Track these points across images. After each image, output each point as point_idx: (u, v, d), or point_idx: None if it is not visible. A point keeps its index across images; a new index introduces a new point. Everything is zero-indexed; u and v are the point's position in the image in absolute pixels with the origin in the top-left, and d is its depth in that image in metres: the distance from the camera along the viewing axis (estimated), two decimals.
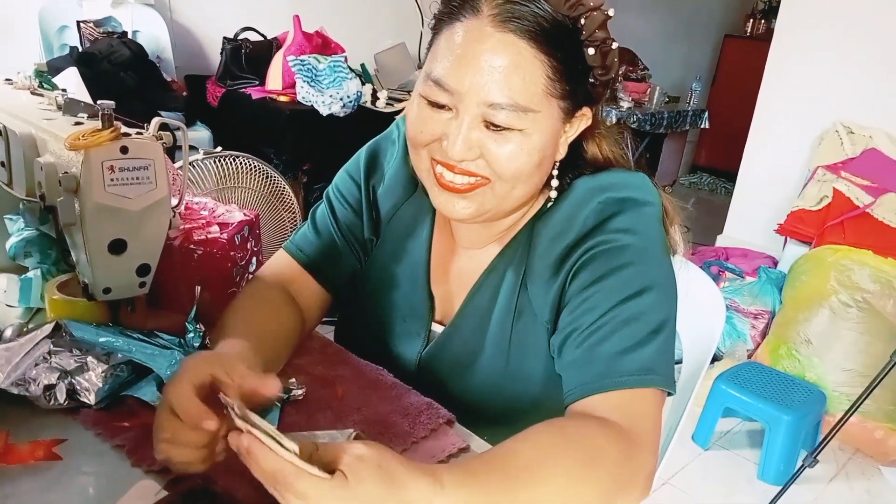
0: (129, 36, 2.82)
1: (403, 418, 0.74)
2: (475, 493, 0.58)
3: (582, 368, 0.74)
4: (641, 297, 0.75)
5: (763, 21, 5.99)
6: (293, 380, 0.78)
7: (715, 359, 2.76)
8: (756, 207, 3.48)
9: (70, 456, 0.64)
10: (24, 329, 0.77)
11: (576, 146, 0.83)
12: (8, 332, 0.79)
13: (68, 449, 0.64)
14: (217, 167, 1.81)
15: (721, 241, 3.68)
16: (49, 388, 0.69)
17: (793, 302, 2.59)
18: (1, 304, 0.91)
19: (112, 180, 0.74)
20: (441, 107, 0.74)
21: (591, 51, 0.73)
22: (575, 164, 0.84)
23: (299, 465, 0.51)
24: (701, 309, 1.13)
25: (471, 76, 0.70)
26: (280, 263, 0.92)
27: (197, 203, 0.94)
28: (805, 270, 2.59)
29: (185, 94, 2.96)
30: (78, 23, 2.69)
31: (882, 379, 1.68)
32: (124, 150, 0.75)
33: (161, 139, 0.80)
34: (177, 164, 1.79)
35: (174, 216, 0.84)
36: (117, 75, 2.46)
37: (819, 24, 3.23)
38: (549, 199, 0.83)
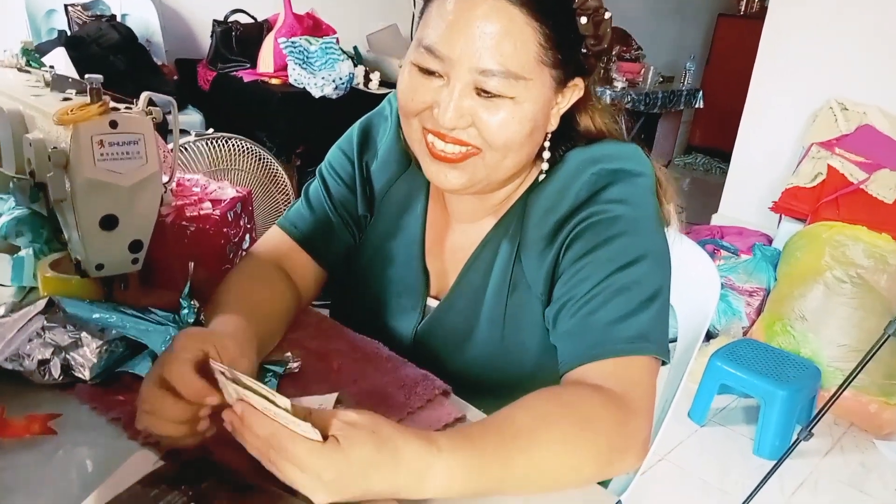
0: (119, 19, 2.80)
1: (399, 390, 0.74)
2: (472, 457, 0.58)
3: (576, 338, 0.75)
4: (635, 267, 0.75)
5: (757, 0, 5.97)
6: (289, 353, 0.78)
7: (710, 336, 2.77)
8: (750, 186, 3.49)
9: (65, 430, 0.64)
10: (17, 306, 0.77)
11: (568, 118, 0.83)
12: (0, 310, 0.78)
13: (63, 424, 0.64)
14: (210, 149, 1.80)
15: (716, 219, 3.68)
16: (43, 363, 0.69)
17: (787, 279, 2.60)
18: None
19: (102, 155, 0.74)
20: (432, 74, 0.73)
21: (583, 19, 0.73)
22: (568, 137, 0.83)
23: (293, 428, 0.51)
24: (695, 283, 1.13)
25: (462, 42, 0.70)
26: (274, 239, 0.91)
27: (189, 180, 0.93)
28: (799, 247, 2.60)
29: (175, 77, 2.94)
30: (66, 6, 2.66)
31: (875, 353, 1.69)
32: (113, 124, 0.74)
33: (150, 114, 0.79)
34: (169, 146, 1.78)
35: (166, 192, 0.83)
36: (106, 58, 2.44)
37: (811, 1, 3.22)
38: (542, 172, 0.83)
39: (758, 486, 1.83)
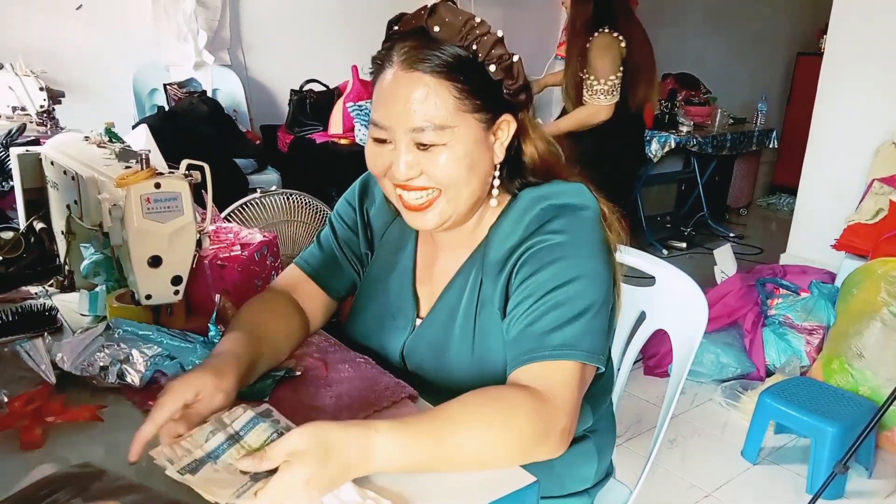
0: (210, 94, 3.18)
1: (371, 393, 0.90)
2: (406, 436, 0.73)
3: (517, 345, 0.89)
4: (569, 286, 0.88)
5: None
6: (293, 361, 0.96)
7: (767, 374, 2.75)
8: (816, 224, 3.44)
9: (111, 418, 0.84)
10: (84, 329, 0.99)
11: (518, 151, 0.99)
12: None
13: (109, 414, 0.84)
14: (274, 203, 2.05)
15: (784, 259, 3.63)
16: (103, 369, 0.90)
17: (845, 316, 2.56)
18: (76, 314, 1.14)
19: (148, 209, 0.95)
20: (384, 142, 0.92)
21: (492, 68, 0.90)
22: (518, 167, 0.99)
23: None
24: (683, 306, 1.24)
25: (394, 111, 0.88)
26: (289, 274, 1.11)
27: (224, 228, 1.15)
28: (856, 283, 2.56)
29: (258, 142, 3.28)
30: (165, 85, 3.06)
31: None
32: (157, 185, 0.96)
33: (189, 177, 1.01)
34: (241, 202, 2.05)
35: (202, 237, 1.05)
36: (196, 128, 2.79)
37: (870, 34, 3.22)
38: (500, 205, 0.99)
39: None
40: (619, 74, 2.74)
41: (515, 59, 0.92)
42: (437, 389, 0.97)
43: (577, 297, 0.88)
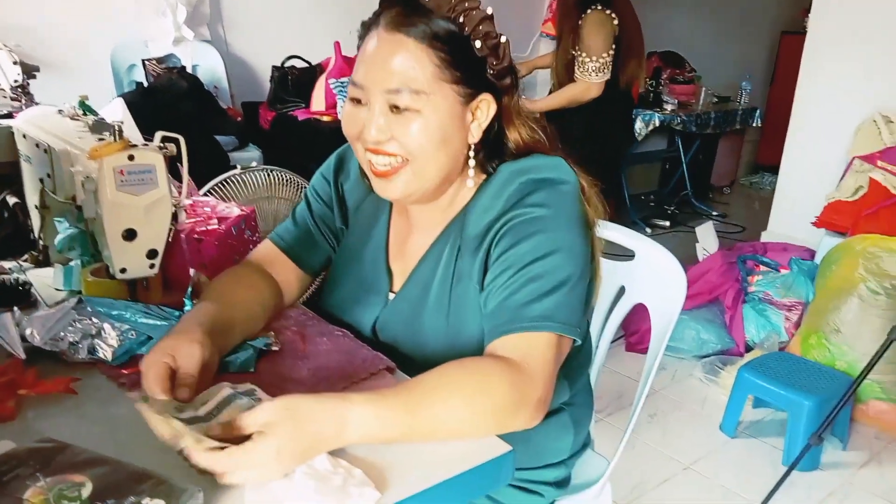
0: (190, 70, 3.13)
1: (348, 365, 0.90)
2: (382, 408, 0.73)
3: (494, 317, 0.89)
4: (547, 259, 0.89)
5: None
6: (272, 334, 0.96)
7: (747, 350, 2.79)
8: (797, 202, 3.47)
9: (85, 391, 0.83)
10: (56, 304, 0.98)
11: (501, 135, 0.98)
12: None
13: (82, 387, 0.83)
14: (255, 180, 2.03)
15: (765, 236, 3.67)
16: (73, 344, 0.89)
17: (823, 292, 2.59)
18: (51, 289, 1.13)
19: (122, 182, 0.94)
20: (360, 102, 0.91)
21: (477, 44, 0.89)
22: (500, 151, 0.98)
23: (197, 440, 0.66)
24: (663, 281, 1.25)
25: (373, 71, 0.88)
26: (263, 249, 1.10)
27: (201, 202, 1.14)
28: (835, 260, 2.59)
29: (239, 119, 3.24)
30: (143, 61, 3.01)
31: (880, 357, 1.71)
32: (131, 157, 0.94)
33: (164, 149, 1.00)
34: (221, 177, 2.03)
35: (179, 211, 1.04)
36: (176, 105, 2.75)
37: (853, 13, 3.22)
38: (476, 185, 0.98)
39: (770, 492, 1.86)
40: (611, 52, 2.75)
41: (503, 39, 0.92)
42: (411, 362, 0.98)
43: (555, 269, 0.88)
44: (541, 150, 0.99)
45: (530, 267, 0.89)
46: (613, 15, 2.74)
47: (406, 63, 0.87)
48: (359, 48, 0.93)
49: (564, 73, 2.84)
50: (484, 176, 0.99)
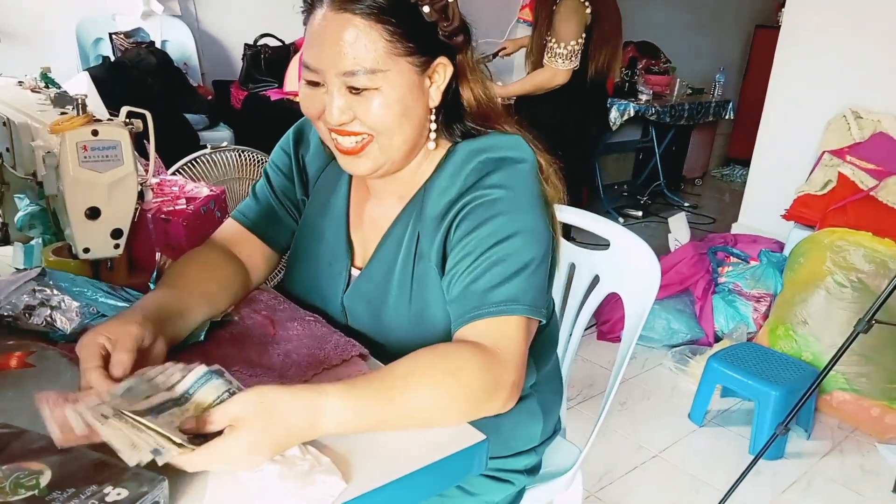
0: (158, 45, 3.05)
1: (321, 351, 0.88)
2: (356, 398, 0.72)
3: (460, 303, 0.87)
4: (510, 241, 0.87)
5: None
6: (229, 309, 0.94)
7: (716, 340, 2.82)
8: (768, 195, 3.51)
9: (39, 372, 0.80)
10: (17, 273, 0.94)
11: (456, 94, 0.96)
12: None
13: (38, 368, 0.80)
14: (224, 160, 1.99)
15: (736, 228, 3.71)
16: (29, 308, 0.86)
17: (791, 284, 2.63)
18: (11, 268, 1.09)
19: (85, 158, 0.90)
20: (316, 84, 0.88)
21: (426, 9, 0.87)
22: (456, 111, 0.96)
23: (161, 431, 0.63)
24: (637, 270, 1.25)
25: (325, 54, 0.85)
26: (226, 228, 1.07)
27: (169, 181, 1.10)
28: (803, 253, 2.63)
29: (210, 97, 3.17)
30: (110, 35, 2.92)
31: (846, 349, 1.74)
32: (95, 132, 0.91)
33: (130, 125, 0.96)
34: (190, 157, 1.98)
35: (146, 190, 1.00)
36: (144, 81, 2.68)
37: (827, 9, 3.25)
38: (439, 165, 0.97)
39: (737, 480, 1.89)
40: (580, 41, 2.74)
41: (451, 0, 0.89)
42: (376, 344, 0.97)
43: (517, 252, 0.87)
44: (494, 111, 0.98)
45: (492, 250, 0.88)
46: (587, 4, 2.73)
47: (357, 43, 0.84)
48: (305, 23, 0.90)
49: (537, 59, 2.84)
50: (446, 143, 0.98)
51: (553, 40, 2.73)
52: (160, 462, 0.62)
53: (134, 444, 0.61)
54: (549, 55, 2.75)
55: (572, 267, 1.38)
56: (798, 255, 2.66)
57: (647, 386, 2.64)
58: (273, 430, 0.66)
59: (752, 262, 2.95)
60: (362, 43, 0.84)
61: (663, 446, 2.27)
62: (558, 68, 2.75)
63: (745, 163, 6.14)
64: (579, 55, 2.75)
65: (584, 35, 2.74)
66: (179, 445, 0.62)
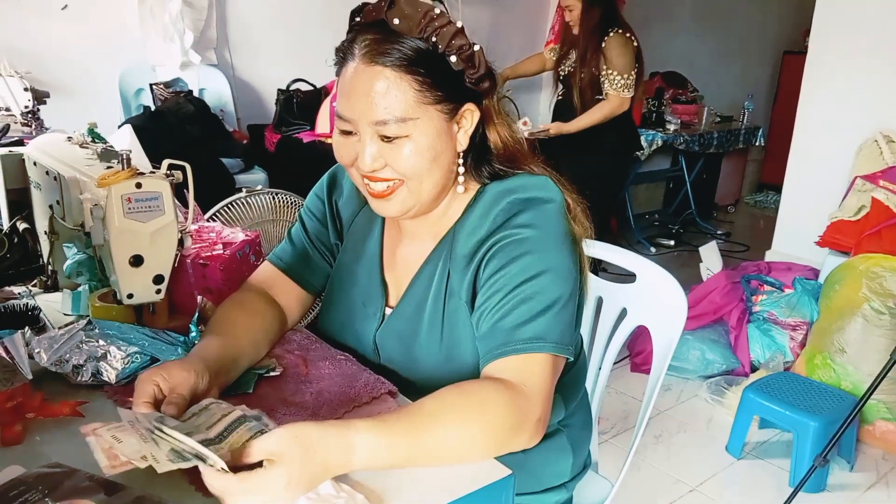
0: (196, 93, 3.17)
1: (350, 389, 0.91)
2: (385, 435, 0.74)
3: (488, 340, 0.90)
4: (537, 280, 0.90)
5: None
6: (273, 360, 0.97)
7: (752, 370, 2.78)
8: (801, 221, 3.47)
9: (91, 415, 0.84)
10: (65, 326, 0.99)
11: (484, 138, 1.00)
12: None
13: (89, 410, 0.84)
14: (260, 203, 2.05)
15: (770, 256, 3.67)
16: (77, 367, 0.91)
17: (827, 312, 2.59)
18: (59, 314, 1.15)
19: (129, 209, 0.96)
20: (349, 133, 0.93)
21: (453, 59, 0.91)
22: (484, 153, 1.00)
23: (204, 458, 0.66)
24: (663, 303, 1.27)
25: (358, 105, 0.90)
26: (263, 272, 1.12)
27: (207, 227, 1.16)
28: (838, 280, 2.59)
29: (245, 141, 3.28)
30: (151, 85, 3.06)
31: (883, 377, 1.71)
32: (138, 185, 0.96)
33: (170, 177, 1.02)
34: (226, 201, 2.05)
35: (185, 237, 1.05)
36: (183, 128, 2.78)
37: (852, 34, 3.25)
38: (469, 206, 1.00)
39: None
40: (634, 72, 3.01)
41: (476, 48, 0.93)
42: (406, 381, 0.99)
43: (545, 290, 0.90)
44: (520, 151, 1.01)
45: (521, 288, 0.90)
46: (632, 38, 2.99)
47: (388, 94, 0.89)
48: (337, 74, 0.95)
49: (589, 92, 3.05)
50: (475, 185, 1.01)
51: (614, 72, 2.97)
52: (203, 469, 0.65)
53: (174, 449, 0.66)
54: (614, 86, 2.98)
55: (600, 300, 1.40)
56: (833, 282, 2.62)
57: (683, 418, 2.60)
58: (309, 464, 0.69)
59: (787, 290, 2.91)
60: (393, 93, 0.89)
61: (700, 480, 2.24)
62: (624, 97, 3.00)
63: (779, 188, 6.07)
64: (634, 85, 3.01)
65: (636, 66, 3.01)
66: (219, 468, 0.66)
